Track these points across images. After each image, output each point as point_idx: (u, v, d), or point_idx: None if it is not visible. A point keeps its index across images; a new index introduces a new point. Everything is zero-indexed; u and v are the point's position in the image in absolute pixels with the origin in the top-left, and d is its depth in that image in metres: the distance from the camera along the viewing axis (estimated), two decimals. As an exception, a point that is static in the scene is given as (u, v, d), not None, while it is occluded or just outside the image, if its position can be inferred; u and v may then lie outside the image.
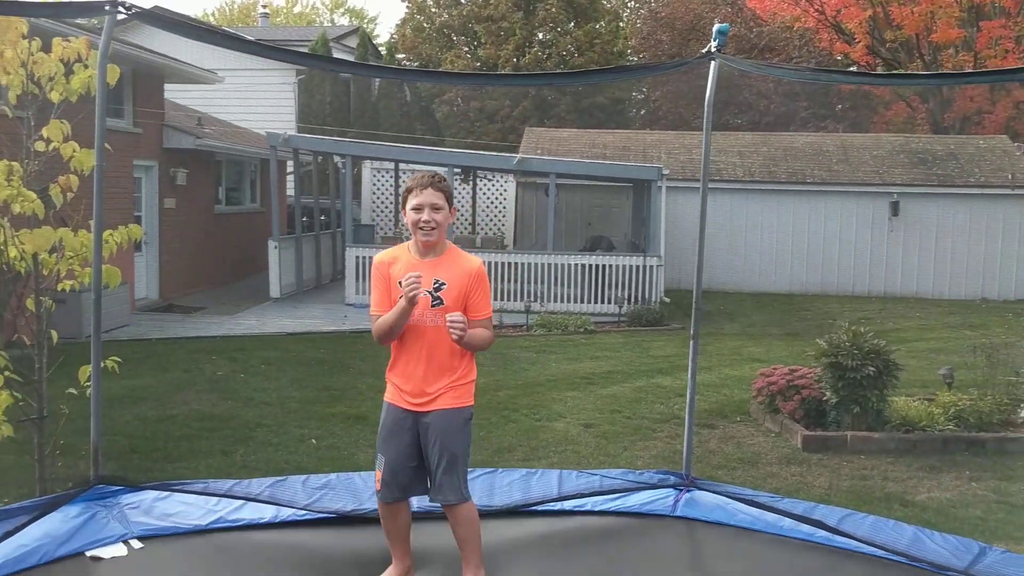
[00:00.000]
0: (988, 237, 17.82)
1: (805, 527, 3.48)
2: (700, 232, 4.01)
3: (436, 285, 3.32)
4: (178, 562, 3.21)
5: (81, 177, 3.99)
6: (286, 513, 3.60)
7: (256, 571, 3.30)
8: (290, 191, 19.03)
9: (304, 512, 3.67)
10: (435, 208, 3.32)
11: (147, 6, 3.45)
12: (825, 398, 7.31)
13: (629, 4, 36.64)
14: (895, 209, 17.84)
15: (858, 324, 7.49)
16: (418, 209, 3.33)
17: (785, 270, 18.36)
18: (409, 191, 3.38)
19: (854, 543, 3.37)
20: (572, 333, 12.67)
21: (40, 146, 4.01)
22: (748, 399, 8.32)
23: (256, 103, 22.62)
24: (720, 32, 3.84)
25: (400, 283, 3.23)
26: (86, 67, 4.20)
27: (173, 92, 16.31)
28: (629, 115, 31.72)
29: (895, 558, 3.25)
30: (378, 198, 20.97)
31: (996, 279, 17.75)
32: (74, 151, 4.00)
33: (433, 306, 3.33)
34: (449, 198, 3.40)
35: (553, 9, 26.27)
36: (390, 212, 20.24)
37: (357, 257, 14.59)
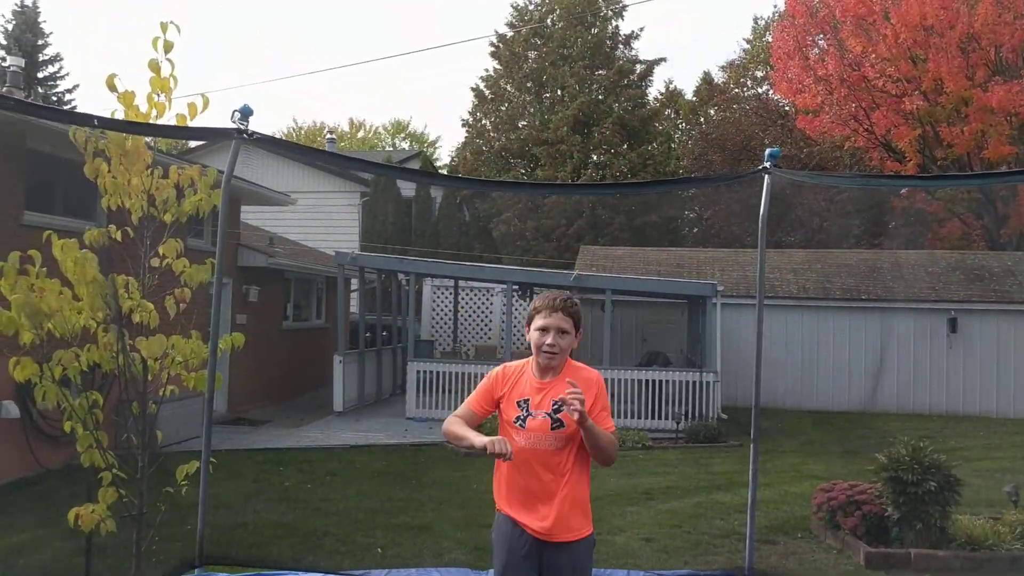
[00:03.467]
0: (1052, 355, 17.58)
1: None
2: (758, 338, 4.24)
3: (555, 407, 3.18)
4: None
5: (191, 290, 4.43)
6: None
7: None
8: (354, 308, 19.67)
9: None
10: (561, 332, 3.20)
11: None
12: (887, 514, 7.29)
13: (680, 126, 37.73)
14: (953, 326, 17.75)
15: (919, 441, 7.52)
16: (544, 331, 3.21)
17: (843, 387, 18.23)
18: (537, 311, 3.25)
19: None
20: (630, 448, 12.73)
21: (155, 262, 4.48)
22: (808, 515, 8.31)
23: (322, 223, 23.64)
24: (772, 155, 4.17)
25: (495, 443, 3.13)
26: (195, 192, 4.70)
27: (246, 213, 17.20)
28: (682, 233, 32.25)
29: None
30: (438, 314, 21.50)
31: (1062, 397, 17.41)
32: (185, 266, 4.45)
33: (553, 429, 3.21)
34: (577, 323, 3.26)
35: (608, 132, 27.29)
36: (449, 328, 20.71)
37: (418, 371, 14.94)
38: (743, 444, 12.83)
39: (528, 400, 3.25)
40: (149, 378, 4.55)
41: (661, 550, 7.41)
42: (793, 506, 9.04)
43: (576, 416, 3.05)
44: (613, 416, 12.52)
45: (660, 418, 14.30)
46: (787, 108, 30.89)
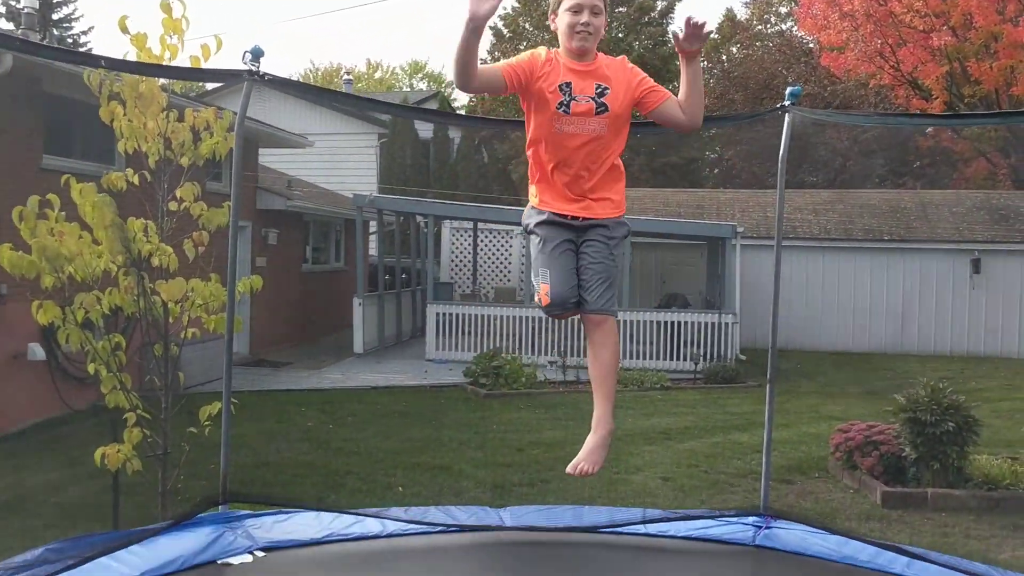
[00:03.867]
0: (1076, 295, 17.41)
1: (882, 560, 3.63)
2: (775, 278, 4.22)
3: (599, 90, 3.03)
4: (298, 566, 3.56)
5: (209, 233, 4.46)
6: (392, 528, 3.91)
7: (365, 569, 3.61)
8: (373, 251, 19.73)
9: (410, 527, 3.95)
10: (595, 12, 3.01)
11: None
12: (904, 454, 7.32)
13: (702, 64, 37.09)
14: (976, 267, 17.59)
15: (938, 382, 7.51)
16: (577, 10, 2.99)
17: (863, 329, 18.17)
18: None
19: (929, 574, 3.50)
20: (648, 389, 12.80)
21: (173, 206, 4.49)
22: (826, 456, 8.35)
23: (340, 165, 23.57)
24: (792, 94, 4.09)
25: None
26: (211, 135, 4.68)
27: (264, 156, 17.18)
28: (703, 175, 31.95)
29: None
30: (457, 256, 21.52)
31: (1085, 339, 17.28)
32: (202, 210, 4.46)
33: (597, 113, 3.05)
34: (607, 3, 3.08)
35: (627, 72, 26.86)
36: (468, 271, 20.73)
37: (437, 314, 15.02)
38: (761, 385, 12.84)
39: (571, 83, 3.04)
40: (170, 320, 4.60)
41: (678, 489, 7.50)
42: (811, 447, 9.09)
43: (700, 37, 3.00)
44: (632, 358, 12.37)
45: (679, 359, 14.34)
46: (811, 45, 30.23)
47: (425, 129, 25.51)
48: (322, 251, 18.89)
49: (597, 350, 3.20)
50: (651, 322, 14.59)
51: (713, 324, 14.42)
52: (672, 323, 14.55)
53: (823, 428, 9.58)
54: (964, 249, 17.79)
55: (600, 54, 3.14)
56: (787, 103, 4.07)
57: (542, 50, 3.14)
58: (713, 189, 25.27)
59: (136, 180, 4.50)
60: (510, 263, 21.31)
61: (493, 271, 21.45)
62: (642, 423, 10.33)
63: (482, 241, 20.98)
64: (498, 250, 21.50)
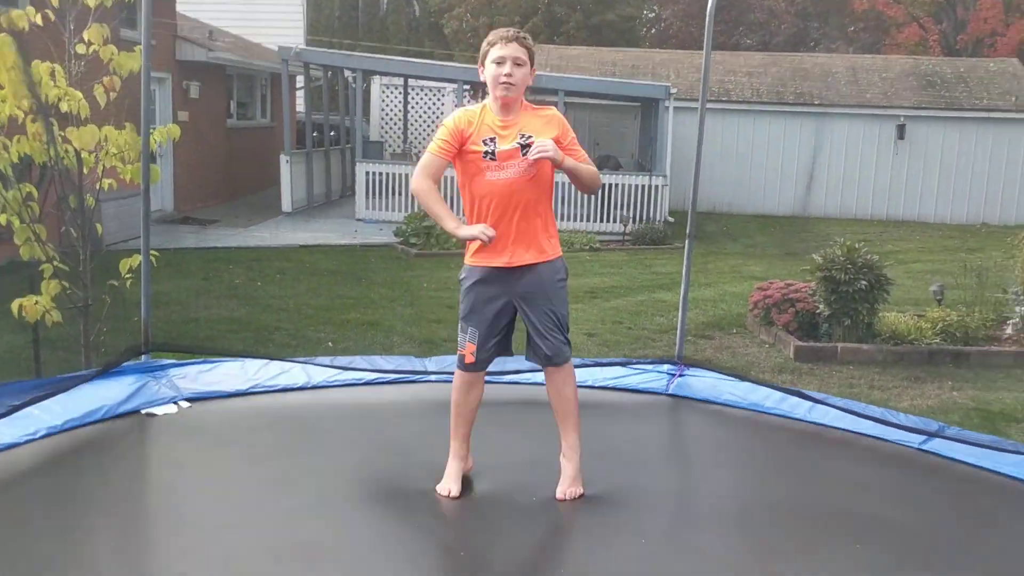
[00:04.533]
0: (992, 161, 17.94)
1: (786, 406, 3.84)
2: (699, 137, 4.25)
3: (524, 138, 3.17)
4: (222, 417, 3.62)
5: (120, 79, 4.25)
6: (318, 379, 3.97)
7: (291, 421, 3.70)
8: (300, 107, 19.12)
9: (334, 379, 4.01)
10: (518, 63, 3.16)
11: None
12: (818, 311, 7.63)
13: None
14: (901, 132, 17.92)
15: (855, 243, 7.76)
16: (500, 62, 3.15)
17: (789, 193, 18.53)
18: (491, 44, 3.20)
19: (828, 418, 3.73)
20: (578, 251, 12.96)
21: (81, 48, 4.26)
22: (745, 313, 8.66)
23: (265, 17, 22.47)
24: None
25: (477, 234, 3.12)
26: (119, -25, 4.41)
27: (183, 4, 16.29)
28: (639, 34, 31.43)
29: (865, 430, 3.61)
30: (387, 114, 21.04)
31: (998, 204, 17.93)
32: (113, 54, 4.25)
33: (524, 155, 3.18)
34: (532, 56, 3.24)
35: (565, -76, 25.90)
36: (399, 128, 20.33)
37: (367, 173, 14.80)
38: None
39: (495, 138, 3.21)
40: (85, 171, 4.44)
41: (603, 344, 7.72)
42: (731, 304, 9.40)
43: (551, 159, 3.12)
44: (563, 220, 12.44)
45: (609, 221, 14.49)
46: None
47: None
48: (247, 106, 18.26)
49: (560, 388, 3.33)
50: (582, 183, 14.59)
51: (644, 187, 14.53)
52: (603, 185, 14.60)
53: (744, 287, 9.88)
54: (890, 115, 18.05)
55: (529, 105, 3.30)
56: (718, -45, 4.00)
57: (459, 112, 3.32)
58: (649, 49, 24.93)
59: (39, 20, 4.24)
60: (442, 121, 20.96)
61: (425, 130, 21.08)
62: (571, 283, 10.46)
63: (413, 98, 20.50)
64: (430, 108, 21.07)
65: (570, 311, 3.44)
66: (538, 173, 3.24)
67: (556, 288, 3.33)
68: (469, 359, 3.30)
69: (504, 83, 3.14)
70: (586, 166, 3.30)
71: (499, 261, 3.24)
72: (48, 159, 4.19)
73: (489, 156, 3.18)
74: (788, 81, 19.17)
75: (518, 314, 3.33)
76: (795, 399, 3.83)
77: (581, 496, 3.26)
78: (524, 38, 3.22)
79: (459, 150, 3.24)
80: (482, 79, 3.25)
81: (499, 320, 3.29)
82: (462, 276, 3.36)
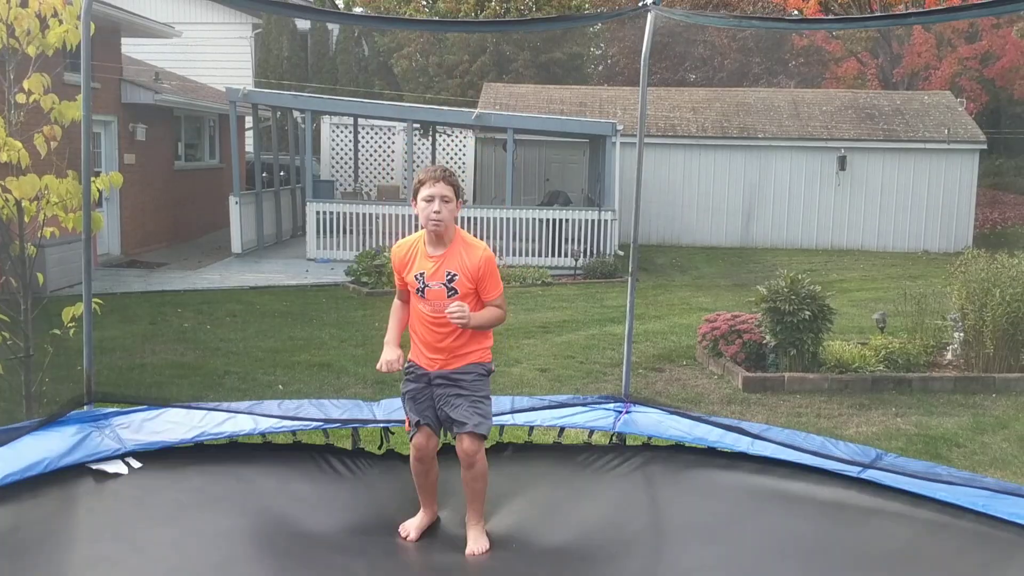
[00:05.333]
0: (929, 191, 18.46)
1: (730, 439, 3.91)
2: (637, 176, 4.37)
3: (448, 276, 3.55)
4: (166, 471, 3.57)
5: (62, 128, 4.24)
6: (264, 425, 3.94)
7: (237, 471, 3.67)
8: (249, 148, 19.08)
9: (281, 424, 4.00)
10: (445, 200, 3.51)
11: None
12: (765, 341, 7.78)
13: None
14: (842, 164, 18.38)
15: (801, 274, 7.94)
16: (429, 200, 3.51)
17: (736, 224, 18.86)
18: (421, 183, 3.56)
19: (770, 452, 3.81)
20: (530, 285, 13.05)
21: (21, 98, 4.24)
22: (694, 345, 8.78)
23: (212, 58, 22.44)
24: (655, -7, 4.15)
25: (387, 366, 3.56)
26: (60, 22, 4.42)
27: (129, 47, 16.22)
28: (587, 71, 31.89)
29: (805, 461, 3.69)
30: (337, 154, 21.06)
31: (937, 232, 18.42)
32: (54, 103, 4.23)
33: (449, 296, 3.54)
34: (458, 192, 3.60)
35: (511, -37, 26.28)
36: (349, 168, 20.34)
37: (318, 212, 14.78)
38: (639, 279, 13.30)
39: (424, 273, 3.59)
40: (26, 219, 4.40)
41: (555, 379, 7.78)
42: (681, 336, 9.53)
43: (461, 326, 3.50)
44: (515, 255, 12.59)
45: (560, 256, 14.62)
46: (694, -59, 30.20)
47: (303, 21, 24.48)
48: (195, 148, 18.15)
49: (470, 481, 3.65)
50: (533, 219, 14.76)
51: (593, 221, 14.70)
52: (553, 220, 14.77)
53: (693, 319, 10.02)
54: (831, 147, 18.52)
55: (464, 239, 3.65)
56: (649, 2, 4.12)
57: (395, 248, 3.75)
58: (596, 86, 25.31)
59: (-23, 70, 4.23)
60: (393, 160, 21.02)
61: (375, 168, 21.12)
62: (522, 318, 10.56)
63: (363, 137, 20.56)
64: (380, 147, 21.13)
65: (522, 348, 3.65)
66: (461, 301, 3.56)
67: (475, 378, 3.65)
68: (408, 429, 3.70)
69: (434, 220, 3.50)
70: (491, 315, 3.61)
71: (426, 365, 3.65)
72: (-13, 209, 4.16)
73: (420, 292, 3.60)
74: (732, 115, 19.59)
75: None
76: (736, 433, 3.92)
77: (486, 551, 3.57)
78: (450, 176, 3.59)
79: (403, 279, 3.69)
80: (414, 212, 3.62)
81: (427, 407, 3.66)
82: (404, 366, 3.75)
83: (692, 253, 17.47)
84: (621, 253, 15.10)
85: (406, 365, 3.69)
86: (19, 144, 4.11)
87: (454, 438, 3.65)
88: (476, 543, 3.60)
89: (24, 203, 4.26)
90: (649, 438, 4.11)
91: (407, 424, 3.69)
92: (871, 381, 7.58)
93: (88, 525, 3.23)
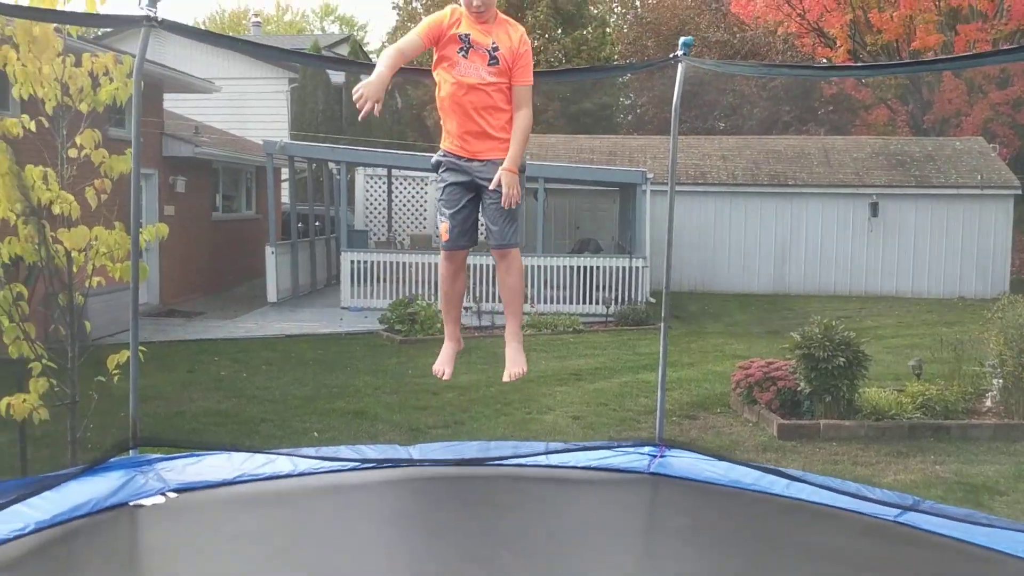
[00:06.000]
0: (964, 236, 18.33)
1: (765, 483, 3.91)
2: (668, 223, 4.44)
3: (493, 46, 3.49)
4: (209, 505, 3.64)
5: (111, 181, 4.40)
6: (304, 466, 4.01)
7: (277, 507, 3.73)
8: (285, 198, 19.40)
9: (321, 465, 4.07)
10: None
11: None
12: (799, 388, 7.73)
13: (616, 10, 37.17)
14: (874, 210, 18.32)
15: (835, 320, 7.90)
16: None
17: (768, 272, 18.81)
18: None
19: (806, 493, 3.79)
20: (561, 333, 13.08)
21: (73, 153, 4.42)
22: (728, 392, 8.74)
23: (250, 111, 23.00)
24: (685, 44, 4.25)
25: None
26: (111, 80, 4.60)
27: (170, 102, 16.68)
28: (616, 121, 32.21)
29: (842, 504, 3.67)
30: (371, 204, 21.36)
31: (972, 277, 18.24)
32: (104, 157, 4.40)
33: (490, 64, 3.49)
34: None
35: (542, 16, 26.78)
36: (383, 218, 20.61)
37: (352, 262, 14.97)
38: (671, 326, 13.29)
39: (470, 35, 3.50)
40: (75, 270, 4.55)
41: (587, 426, 7.78)
42: (714, 384, 9.49)
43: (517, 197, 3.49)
44: (546, 302, 12.62)
45: (591, 303, 14.66)
46: (722, -8, 30.63)
47: (337, 74, 25.00)
48: (233, 199, 18.53)
49: (503, 277, 3.73)
50: (564, 267, 14.85)
51: (624, 268, 14.75)
52: (585, 268, 14.84)
53: (726, 366, 9.98)
54: (863, 193, 18.49)
55: (501, 16, 3.59)
56: (679, 53, 4.22)
57: (448, 9, 3.58)
58: (626, 135, 25.54)
59: (33, 127, 4.41)
60: (425, 210, 21.25)
61: (408, 218, 21.38)
62: (554, 365, 10.59)
63: (397, 188, 20.85)
64: (413, 197, 21.41)
65: (555, 396, 3.66)
66: (496, 84, 3.52)
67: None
68: (444, 236, 3.66)
69: (477, 9, 3.46)
70: (522, 132, 3.54)
71: (465, 151, 3.58)
72: (39, 259, 4.30)
73: (462, 52, 3.49)
74: (762, 163, 19.65)
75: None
76: (773, 476, 3.91)
77: (522, 374, 3.67)
78: None
79: (439, 40, 3.53)
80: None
81: (466, 204, 3.63)
82: (433, 161, 3.73)
83: (725, 300, 17.42)
84: (653, 300, 15.11)
85: (442, 155, 3.65)
86: (71, 197, 4.27)
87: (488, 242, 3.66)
88: (515, 364, 3.65)
89: (73, 254, 4.40)
90: (683, 479, 4.12)
91: (444, 225, 3.64)
92: (908, 428, 7.49)
93: (133, 558, 3.31)
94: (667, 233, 4.64)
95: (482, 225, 3.73)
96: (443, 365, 3.82)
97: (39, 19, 4.14)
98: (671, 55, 4.34)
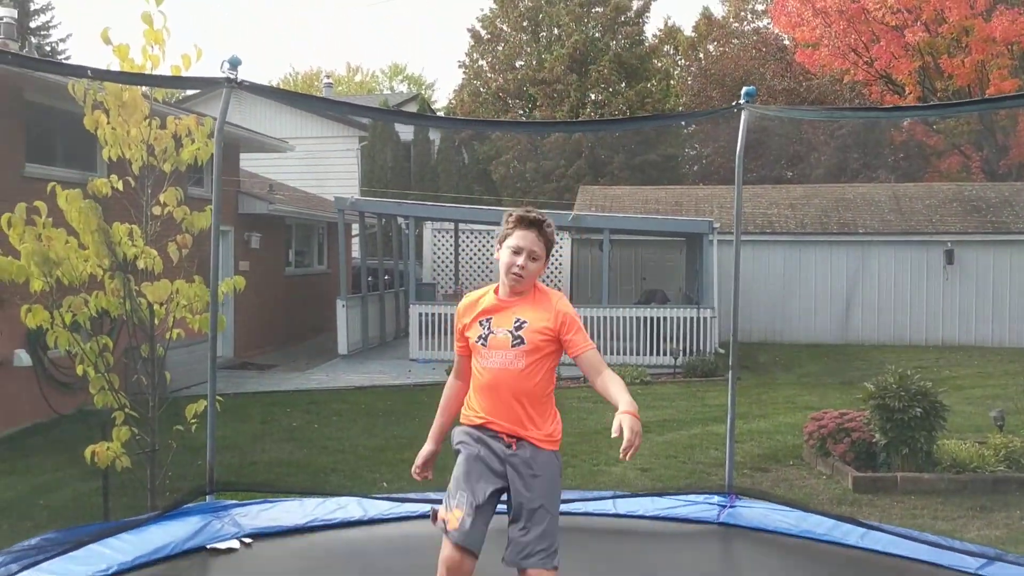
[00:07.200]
0: (1047, 284, 17.73)
1: (838, 533, 3.82)
2: (735, 273, 4.42)
3: (516, 323, 3.10)
4: (283, 551, 3.72)
5: (192, 236, 4.61)
6: (374, 512, 4.06)
7: (349, 555, 3.77)
8: (355, 253, 19.84)
9: (390, 512, 4.10)
10: (533, 257, 3.09)
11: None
12: (875, 440, 7.52)
13: (680, 62, 37.40)
14: (950, 257, 17.88)
15: (911, 370, 7.70)
16: (517, 252, 3.08)
17: (839, 321, 18.43)
18: (513, 227, 3.12)
19: (882, 544, 3.70)
20: (629, 384, 12.90)
21: (156, 210, 4.64)
22: (800, 444, 8.55)
23: (322, 169, 23.68)
24: (747, 94, 4.29)
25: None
26: (192, 141, 4.83)
27: (245, 161, 17.28)
28: (682, 172, 32.20)
29: (920, 557, 3.57)
30: (439, 257, 21.67)
31: (1057, 326, 17.59)
32: (185, 214, 4.62)
33: (513, 346, 3.08)
34: (549, 248, 3.14)
35: (605, 71, 27.11)
36: (450, 271, 20.88)
37: (420, 314, 15.16)
38: (740, 377, 13.09)
39: (491, 319, 3.15)
40: (156, 322, 4.74)
41: (656, 479, 7.67)
42: (786, 436, 9.29)
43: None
44: (612, 354, 12.48)
45: (658, 354, 14.55)
46: (786, 42, 30.60)
47: (406, 131, 25.64)
48: (305, 254, 18.99)
49: None
50: (631, 318, 14.80)
51: (692, 319, 14.64)
52: (651, 319, 14.76)
53: (798, 418, 9.77)
54: (937, 240, 18.07)
55: (540, 288, 3.22)
56: (742, 101, 4.27)
57: (462, 301, 3.30)
58: (692, 186, 25.50)
59: (120, 186, 4.65)
60: (491, 262, 21.47)
61: (475, 271, 21.60)
62: (622, 417, 10.47)
63: (463, 241, 21.13)
64: (479, 250, 21.66)
65: (610, 452, 3.23)
66: (527, 368, 3.14)
67: (544, 478, 3.11)
68: (452, 525, 3.08)
69: (515, 274, 3.09)
70: (618, 383, 3.18)
71: (494, 427, 3.18)
72: (123, 312, 4.50)
73: (482, 341, 3.14)
74: (831, 211, 19.40)
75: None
76: (848, 526, 3.82)
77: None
78: (546, 227, 3.12)
79: (464, 336, 3.25)
80: (496, 257, 3.20)
81: (490, 489, 3.13)
82: (454, 436, 3.33)
83: (795, 350, 17.10)
84: (722, 351, 14.91)
85: (465, 429, 3.22)
86: (154, 252, 4.48)
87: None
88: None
89: (156, 306, 4.59)
90: (754, 530, 4.05)
91: (455, 512, 3.07)
92: (992, 482, 7.20)
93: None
94: (733, 282, 4.59)
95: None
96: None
97: (131, 84, 4.39)
98: (733, 103, 4.38)
